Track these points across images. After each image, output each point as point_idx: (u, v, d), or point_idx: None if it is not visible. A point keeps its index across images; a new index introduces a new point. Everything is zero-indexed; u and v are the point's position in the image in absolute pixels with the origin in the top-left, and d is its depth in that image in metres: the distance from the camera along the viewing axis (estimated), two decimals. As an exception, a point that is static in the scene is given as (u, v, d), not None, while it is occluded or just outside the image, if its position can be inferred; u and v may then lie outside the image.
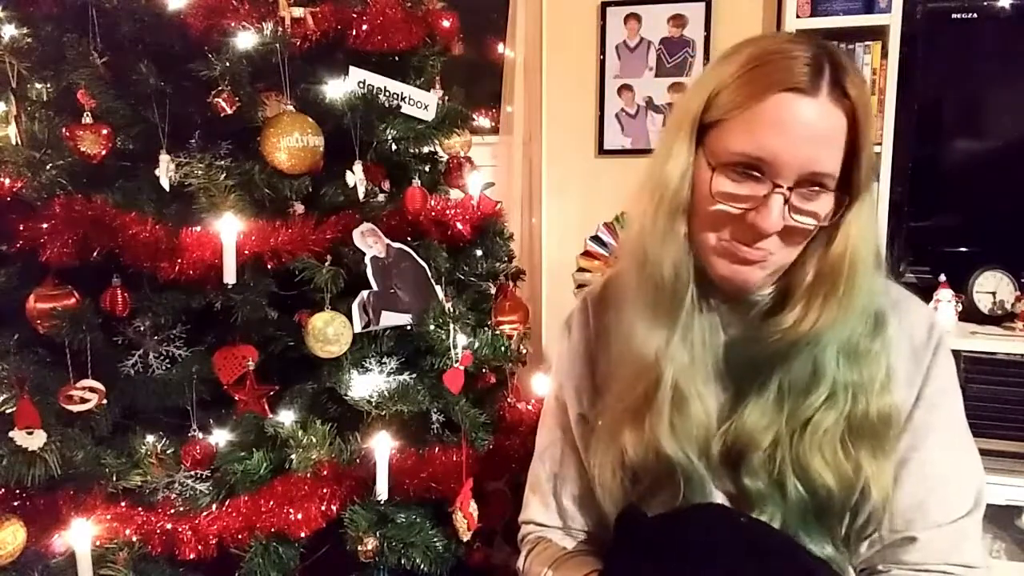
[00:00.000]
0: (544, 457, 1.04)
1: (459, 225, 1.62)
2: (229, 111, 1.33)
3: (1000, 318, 2.15)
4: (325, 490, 1.36)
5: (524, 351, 1.73)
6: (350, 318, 1.41)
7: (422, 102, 1.58)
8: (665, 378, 0.84)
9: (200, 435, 1.38)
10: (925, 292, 2.09)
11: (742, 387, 0.85)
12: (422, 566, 1.39)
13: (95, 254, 1.29)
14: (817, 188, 0.77)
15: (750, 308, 0.86)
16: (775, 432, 0.81)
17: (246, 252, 1.33)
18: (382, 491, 1.37)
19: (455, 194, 1.78)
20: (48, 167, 1.29)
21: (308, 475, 1.35)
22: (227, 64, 1.32)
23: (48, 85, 1.45)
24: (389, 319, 1.48)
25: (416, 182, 1.57)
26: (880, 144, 2.30)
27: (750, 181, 0.77)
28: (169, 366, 1.39)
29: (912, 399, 0.85)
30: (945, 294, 2.14)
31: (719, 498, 0.87)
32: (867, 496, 0.80)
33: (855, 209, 0.79)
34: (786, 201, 0.76)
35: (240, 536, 1.31)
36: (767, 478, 0.82)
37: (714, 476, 0.87)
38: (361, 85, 1.47)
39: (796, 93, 0.75)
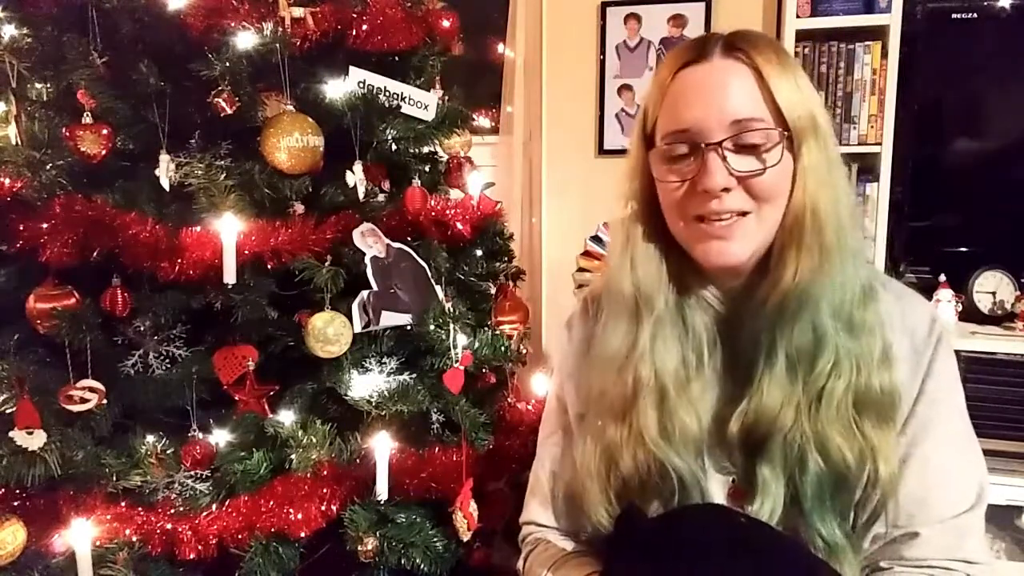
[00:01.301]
0: (544, 458, 1.04)
1: (459, 225, 1.62)
2: (229, 111, 1.33)
3: (1000, 318, 2.15)
4: (325, 490, 1.35)
5: (524, 351, 1.73)
6: (350, 318, 1.41)
7: (422, 102, 1.59)
8: (646, 382, 0.85)
9: (200, 435, 1.38)
10: (925, 292, 2.08)
11: (749, 368, 0.84)
12: (422, 566, 1.39)
13: (95, 254, 1.29)
14: (748, 135, 0.79)
15: (739, 286, 0.87)
16: (795, 407, 0.81)
17: (246, 252, 1.33)
18: (382, 491, 1.37)
19: (455, 194, 1.78)
20: (48, 167, 1.30)
21: (308, 475, 1.35)
22: (227, 64, 1.32)
23: (48, 85, 1.45)
24: (389, 319, 1.48)
25: (416, 182, 1.57)
26: (880, 144, 2.30)
27: (686, 156, 0.82)
28: (169, 366, 1.39)
29: (914, 394, 0.85)
30: (945, 294, 2.14)
31: (717, 495, 0.87)
32: (877, 475, 0.80)
33: (807, 160, 0.81)
34: (723, 157, 0.79)
35: (240, 536, 1.31)
36: (786, 457, 0.82)
37: (719, 467, 0.87)
38: (361, 85, 1.47)
39: (690, 65, 0.83)
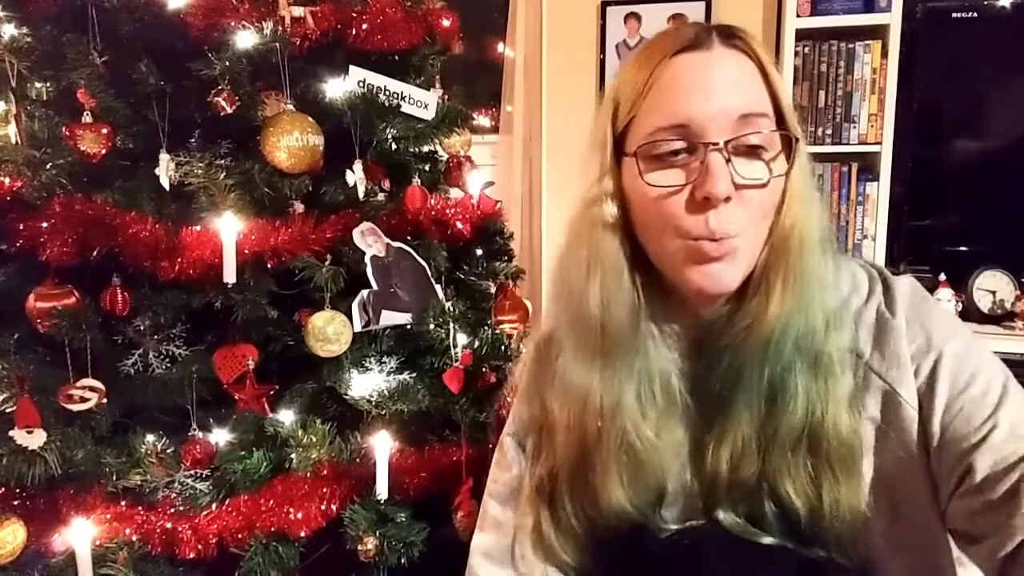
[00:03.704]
0: (498, 493, 0.93)
1: (459, 224, 1.62)
2: (229, 110, 1.33)
3: (1000, 317, 2.15)
4: (325, 489, 1.35)
5: (524, 351, 1.73)
6: (350, 317, 1.41)
7: (422, 101, 1.58)
8: (608, 425, 0.77)
9: (200, 434, 1.38)
10: (925, 292, 2.10)
11: (722, 405, 0.76)
12: (422, 566, 1.39)
13: (95, 253, 1.29)
14: (754, 136, 0.70)
15: (712, 320, 0.77)
16: (756, 452, 0.74)
17: (246, 251, 1.33)
18: (382, 491, 1.37)
19: (455, 193, 1.78)
20: (48, 166, 1.29)
21: (308, 474, 1.35)
22: (227, 63, 1.32)
23: (48, 84, 1.45)
24: (389, 318, 1.48)
25: (416, 181, 1.57)
26: (880, 144, 2.30)
27: (683, 156, 0.71)
28: (169, 365, 1.39)
29: (912, 388, 0.74)
30: (945, 294, 2.15)
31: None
32: (829, 519, 0.73)
33: (796, 175, 0.73)
34: (727, 160, 0.69)
35: (240, 536, 1.31)
36: (744, 503, 0.76)
37: (682, 510, 0.81)
38: (361, 84, 1.47)
39: (687, 52, 0.71)
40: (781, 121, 0.73)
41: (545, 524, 0.83)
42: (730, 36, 0.73)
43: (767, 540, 0.76)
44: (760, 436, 0.74)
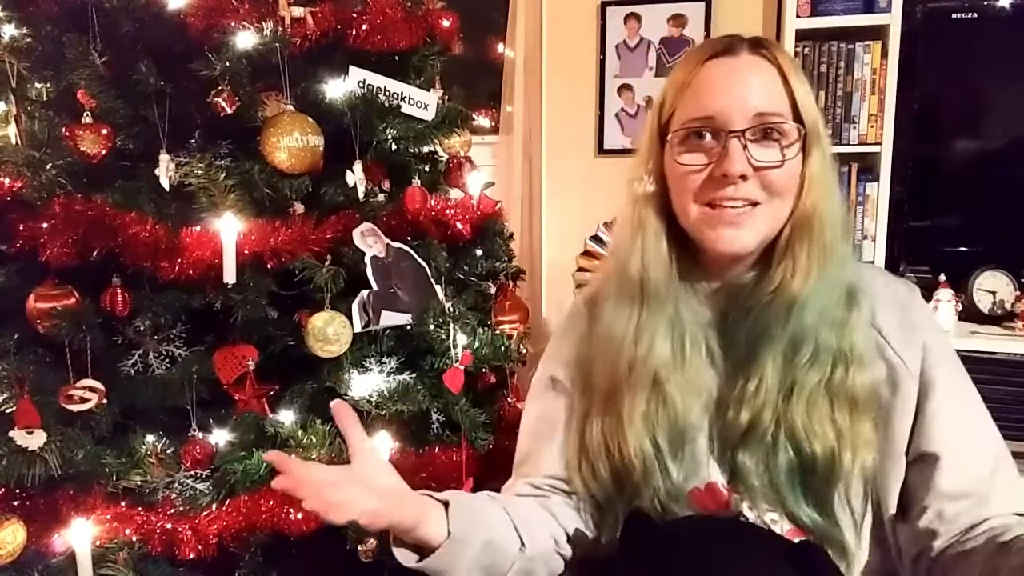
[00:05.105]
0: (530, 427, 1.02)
1: (459, 225, 1.62)
2: (229, 111, 1.33)
3: (1000, 318, 2.15)
4: (325, 490, 1.35)
5: (524, 351, 1.73)
6: (350, 318, 1.41)
7: (422, 102, 1.59)
8: (641, 368, 0.88)
9: (200, 435, 1.38)
10: (925, 292, 2.09)
11: (746, 361, 0.87)
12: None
13: (95, 254, 1.29)
14: (769, 128, 0.84)
15: (740, 284, 0.90)
16: (776, 398, 0.85)
17: (246, 252, 1.33)
18: (382, 491, 1.37)
19: (455, 194, 1.78)
20: (48, 167, 1.29)
21: (308, 475, 1.35)
22: (227, 64, 1.32)
23: (48, 85, 1.45)
24: (389, 319, 1.48)
25: (416, 182, 1.57)
26: (880, 144, 2.30)
27: (708, 141, 0.85)
28: (169, 366, 1.39)
29: (917, 356, 0.87)
30: (945, 294, 2.14)
31: (695, 481, 0.88)
32: (849, 466, 0.83)
33: (815, 165, 0.85)
34: (744, 146, 0.83)
35: (240, 536, 1.31)
36: (760, 445, 0.85)
37: (704, 455, 0.89)
38: (361, 85, 1.47)
39: (718, 57, 0.86)
40: (798, 121, 0.85)
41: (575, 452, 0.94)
42: (758, 45, 0.87)
43: (755, 517, 0.85)
44: (782, 384, 0.85)
